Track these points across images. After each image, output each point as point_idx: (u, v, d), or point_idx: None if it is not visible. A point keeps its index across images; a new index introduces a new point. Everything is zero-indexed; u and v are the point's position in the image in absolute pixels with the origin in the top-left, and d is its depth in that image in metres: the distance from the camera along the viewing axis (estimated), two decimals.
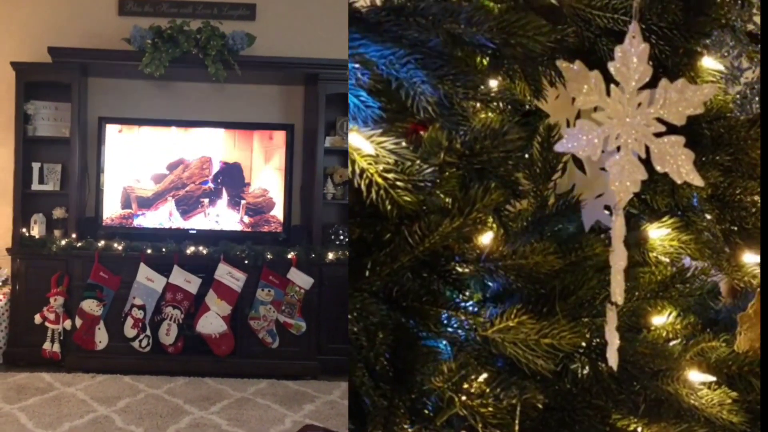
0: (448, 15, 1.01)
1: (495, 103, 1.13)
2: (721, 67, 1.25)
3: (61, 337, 4.49)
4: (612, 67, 0.98)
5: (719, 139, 1.28)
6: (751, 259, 1.39)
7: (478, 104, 1.10)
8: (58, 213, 4.75)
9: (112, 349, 4.45)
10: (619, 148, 1.00)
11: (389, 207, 0.99)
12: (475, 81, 1.02)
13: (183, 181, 4.71)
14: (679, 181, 1.00)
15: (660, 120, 0.98)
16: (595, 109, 1.01)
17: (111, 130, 4.74)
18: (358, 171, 0.99)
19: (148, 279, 4.45)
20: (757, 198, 1.32)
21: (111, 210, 4.72)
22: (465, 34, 1.01)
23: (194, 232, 4.69)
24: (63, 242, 4.53)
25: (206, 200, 4.71)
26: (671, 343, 1.36)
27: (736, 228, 1.35)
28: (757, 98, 1.27)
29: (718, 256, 1.37)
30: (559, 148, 1.04)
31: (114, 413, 3.69)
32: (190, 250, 4.49)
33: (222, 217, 4.73)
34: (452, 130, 1.05)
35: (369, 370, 1.09)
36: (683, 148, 0.97)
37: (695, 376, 1.31)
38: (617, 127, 0.99)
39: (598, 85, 0.99)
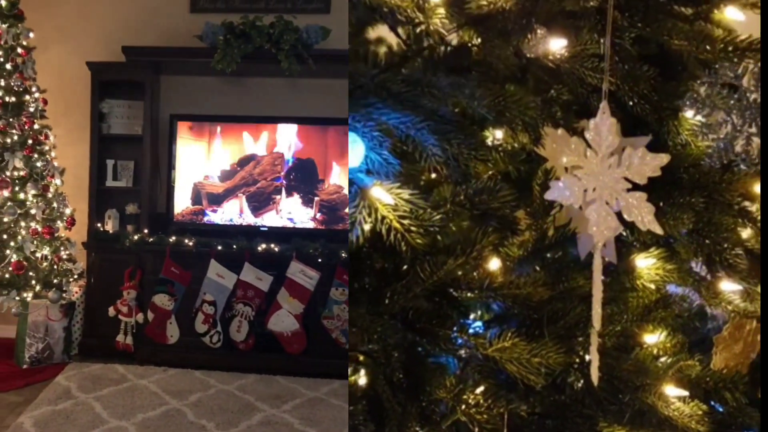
0: (456, 89, 1.24)
1: (498, 155, 1.36)
2: (700, 116, 1.47)
3: (134, 330, 4.60)
4: (587, 135, 1.23)
5: (696, 183, 1.48)
6: (728, 287, 1.58)
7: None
8: (130, 209, 4.88)
9: (184, 344, 4.54)
10: (596, 200, 1.25)
11: (404, 248, 1.23)
12: (477, 144, 1.26)
13: (254, 177, 4.74)
14: (642, 229, 1.23)
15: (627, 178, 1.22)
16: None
17: (182, 127, 4.84)
18: (379, 217, 1.22)
19: (218, 275, 4.51)
20: (735, 234, 1.50)
21: (182, 206, 4.82)
22: (468, 107, 1.25)
23: (265, 229, 4.71)
24: (135, 237, 4.65)
25: (278, 197, 4.73)
26: (660, 359, 1.57)
27: (717, 258, 1.52)
28: (732, 149, 1.48)
29: (698, 283, 1.58)
30: (548, 196, 1.29)
31: (186, 407, 3.76)
32: (262, 247, 4.51)
33: (294, 214, 4.73)
34: (458, 184, 1.32)
35: (387, 381, 1.34)
36: (646, 202, 1.20)
37: (671, 390, 1.53)
38: (593, 182, 1.24)
39: (578, 148, 1.25)
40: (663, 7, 1.31)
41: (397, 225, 1.21)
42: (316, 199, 4.72)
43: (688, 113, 1.47)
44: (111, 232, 4.82)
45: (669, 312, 1.57)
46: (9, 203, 4.04)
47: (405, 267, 1.33)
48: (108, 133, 4.92)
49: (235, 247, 4.54)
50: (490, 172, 1.34)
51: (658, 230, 1.23)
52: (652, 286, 1.54)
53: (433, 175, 1.31)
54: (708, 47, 1.29)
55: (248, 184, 4.74)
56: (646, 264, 1.54)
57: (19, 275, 4.04)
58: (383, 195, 1.22)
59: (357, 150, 1.21)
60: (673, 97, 1.42)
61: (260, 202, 4.74)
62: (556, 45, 1.35)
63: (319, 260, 4.47)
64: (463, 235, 1.34)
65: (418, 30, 1.25)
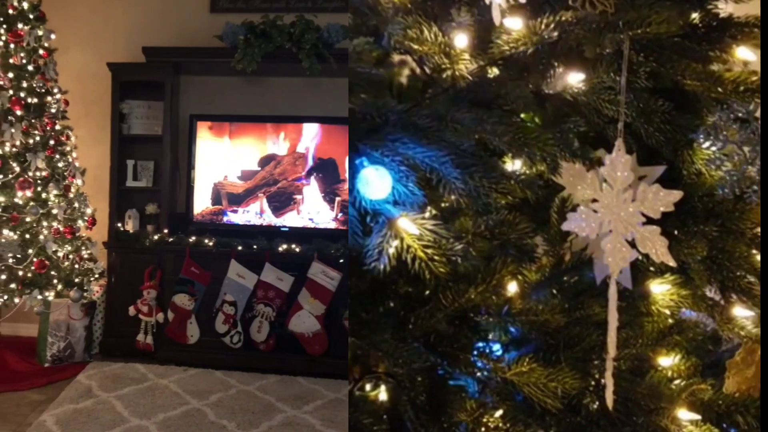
0: (478, 124, 1.29)
1: (516, 184, 1.38)
2: (714, 148, 1.49)
3: (154, 330, 4.64)
4: (603, 170, 1.29)
5: (710, 212, 1.54)
6: (741, 312, 1.61)
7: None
8: (150, 208, 4.92)
9: (204, 344, 4.56)
10: (611, 231, 1.31)
11: (428, 275, 1.29)
12: (498, 177, 1.30)
13: (275, 177, 4.75)
14: (656, 261, 1.29)
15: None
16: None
17: (202, 126, 4.86)
18: (405, 246, 1.29)
19: (239, 276, 4.53)
20: (748, 261, 1.53)
21: (201, 206, 4.85)
22: (490, 142, 1.31)
23: (286, 229, 4.72)
24: (155, 237, 4.69)
25: (299, 197, 4.74)
26: (674, 383, 1.61)
27: (730, 285, 1.56)
28: (744, 179, 1.50)
29: (712, 309, 1.62)
30: (565, 227, 1.36)
31: (206, 407, 3.78)
32: (282, 247, 4.52)
33: (316, 214, 4.74)
34: (479, 215, 1.40)
35: (411, 403, 1.41)
36: (659, 236, 1.26)
37: (684, 414, 1.57)
38: (609, 215, 1.29)
39: (594, 182, 1.32)
40: (677, 47, 1.35)
41: (422, 254, 1.29)
42: (338, 199, 4.73)
43: (703, 144, 1.52)
44: (131, 231, 4.86)
45: (683, 336, 1.63)
46: (32, 203, 4.09)
47: (428, 293, 1.41)
48: (128, 133, 4.96)
49: (255, 247, 4.56)
50: (509, 202, 1.40)
51: (671, 262, 1.30)
52: (667, 312, 1.59)
53: (455, 206, 1.37)
54: (719, 89, 1.34)
55: (269, 184, 4.75)
56: (660, 290, 1.60)
57: (42, 274, 4.09)
58: (409, 225, 1.30)
59: (384, 182, 1.27)
60: (687, 129, 1.46)
61: (281, 202, 4.74)
62: (574, 79, 1.41)
63: (341, 261, 4.46)
64: (483, 264, 1.42)
65: (444, 75, 1.31)
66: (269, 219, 4.77)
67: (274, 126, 4.80)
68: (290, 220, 4.75)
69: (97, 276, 4.50)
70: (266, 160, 4.77)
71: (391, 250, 1.29)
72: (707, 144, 1.48)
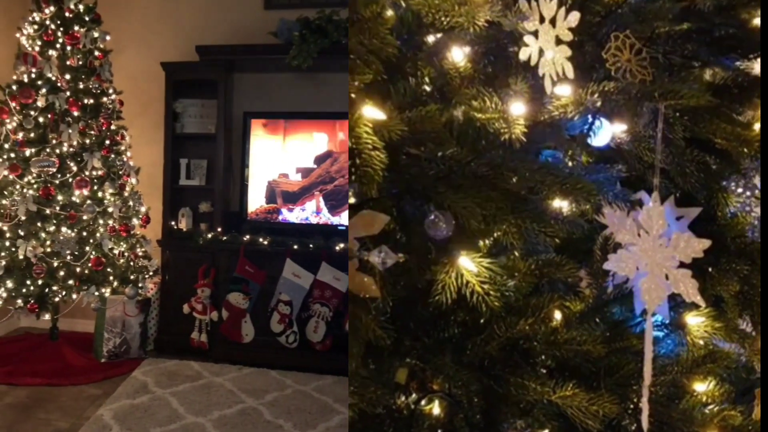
0: (531, 173, 1.48)
1: (562, 227, 1.59)
2: (747, 193, 1.68)
3: (209, 328, 4.66)
4: (641, 217, 1.44)
5: (741, 251, 1.71)
6: None
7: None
8: (203, 207, 4.97)
9: (259, 343, 4.57)
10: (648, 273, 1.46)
11: (484, 308, 1.47)
12: (547, 222, 1.51)
13: (331, 174, 4.74)
14: (688, 301, 1.41)
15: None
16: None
17: (256, 124, 4.88)
18: (464, 281, 1.46)
19: (294, 275, 4.52)
20: None
21: (256, 204, 4.85)
22: (539, 189, 1.50)
23: (343, 228, 4.68)
24: (209, 235, 4.72)
25: None
26: (707, 408, 1.72)
27: (760, 319, 1.70)
28: None
29: (743, 340, 1.75)
30: (606, 266, 1.52)
31: (262, 406, 3.77)
32: (340, 246, 4.50)
33: None
34: (529, 255, 1.61)
35: (467, 421, 1.57)
36: (691, 278, 1.38)
37: None
38: (645, 258, 1.44)
39: (632, 227, 1.46)
40: (708, 108, 1.49)
41: (479, 289, 1.47)
42: None
43: (735, 190, 1.71)
44: (184, 230, 4.91)
45: (717, 365, 1.74)
46: (88, 201, 4.17)
47: (483, 322, 1.58)
48: (181, 132, 5.02)
49: (311, 246, 4.54)
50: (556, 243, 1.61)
51: (702, 303, 1.42)
52: (701, 342, 1.74)
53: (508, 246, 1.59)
54: (746, 149, 1.55)
55: (325, 182, 4.74)
56: (696, 321, 1.75)
57: (98, 271, 4.16)
58: (468, 263, 1.48)
59: (449, 226, 1.44)
60: (720, 177, 1.66)
61: (338, 200, 4.72)
62: (617, 129, 1.57)
63: None
64: (532, 299, 1.62)
65: (502, 138, 1.46)
66: (326, 217, 4.76)
67: (331, 122, 4.78)
68: (348, 218, 4.66)
69: (151, 273, 4.56)
70: (323, 158, 4.76)
71: (453, 284, 1.47)
72: (739, 190, 1.67)
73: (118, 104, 4.57)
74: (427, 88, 1.53)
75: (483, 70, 1.54)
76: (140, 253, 4.49)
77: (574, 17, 1.35)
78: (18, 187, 4.09)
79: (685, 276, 1.39)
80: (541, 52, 1.42)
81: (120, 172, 4.42)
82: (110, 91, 4.51)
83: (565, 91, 1.47)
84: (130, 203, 4.47)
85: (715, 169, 1.63)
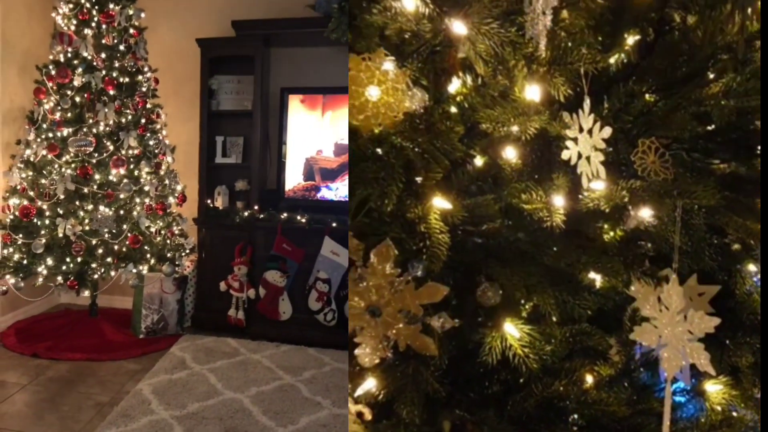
0: (567, 255, 1.78)
1: (594, 300, 1.82)
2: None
3: (245, 305, 4.74)
4: (662, 296, 1.67)
5: (756, 327, 1.90)
6: None
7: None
8: (240, 185, 5.02)
9: (297, 321, 4.62)
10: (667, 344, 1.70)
11: (524, 369, 1.71)
12: (581, 296, 1.78)
13: None
14: (701, 370, 1.62)
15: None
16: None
17: (293, 100, 4.88)
18: (508, 345, 1.71)
19: (333, 253, 4.55)
20: None
21: (293, 182, 4.88)
22: (575, 269, 1.80)
23: None
24: (245, 213, 4.77)
25: None
26: None
27: None
28: None
29: (758, 407, 1.90)
30: (632, 337, 1.74)
31: (300, 383, 3.83)
32: None
33: None
34: (564, 324, 1.81)
35: None
36: (703, 351, 1.61)
37: None
38: (665, 331, 1.67)
39: (655, 305, 1.68)
40: (724, 201, 1.70)
41: (520, 352, 1.71)
42: None
43: (751, 272, 1.89)
44: (220, 208, 4.97)
45: (732, 429, 1.91)
46: (125, 180, 4.25)
47: (522, 381, 1.79)
48: (217, 109, 5.05)
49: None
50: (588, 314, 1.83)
51: (713, 372, 1.63)
52: (719, 408, 1.93)
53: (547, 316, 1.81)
54: (752, 241, 1.77)
55: None
56: (714, 389, 1.94)
57: (135, 249, 4.25)
58: (512, 329, 1.74)
59: (494, 294, 1.71)
60: (736, 260, 1.84)
61: None
62: (646, 214, 1.76)
63: None
64: (566, 363, 1.84)
65: (545, 225, 1.70)
66: None
67: None
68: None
69: (188, 251, 4.64)
70: None
71: (498, 347, 1.72)
72: (754, 269, 1.85)
73: (154, 82, 4.65)
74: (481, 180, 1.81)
75: (531, 164, 1.80)
76: (177, 231, 4.57)
77: (607, 132, 1.59)
78: (56, 166, 4.19)
79: (699, 348, 1.62)
80: (579, 155, 1.66)
81: (156, 151, 4.50)
82: (145, 69, 4.59)
83: (599, 186, 1.70)
84: (166, 182, 4.54)
85: (734, 251, 1.84)
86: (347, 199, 4.74)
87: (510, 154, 1.77)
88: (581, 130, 1.63)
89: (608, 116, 1.67)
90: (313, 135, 4.85)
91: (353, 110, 1.52)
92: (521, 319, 1.75)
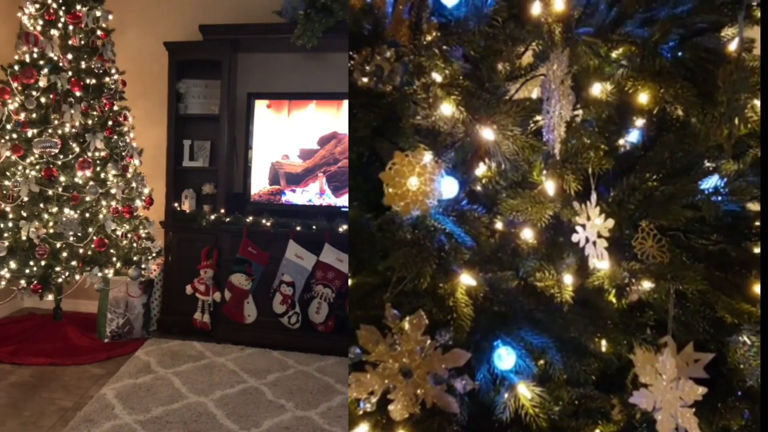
0: (576, 322, 1.96)
1: (600, 363, 2.02)
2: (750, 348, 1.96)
3: (211, 309, 4.78)
4: (658, 365, 1.80)
5: (746, 393, 1.98)
6: None
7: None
8: (207, 188, 5.06)
9: (261, 324, 4.67)
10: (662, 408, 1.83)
11: (534, 427, 1.86)
12: (587, 360, 1.98)
13: (335, 156, 4.80)
14: None
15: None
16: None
17: (260, 105, 4.94)
18: (520, 404, 1.85)
19: (297, 256, 4.61)
20: None
21: (259, 186, 4.94)
22: (583, 337, 1.98)
23: (347, 209, 4.72)
24: (212, 217, 4.81)
25: None
26: None
27: None
28: None
29: None
30: (631, 400, 1.86)
31: (264, 386, 3.87)
32: (342, 228, 4.58)
33: None
34: (572, 386, 1.98)
35: None
36: (692, 416, 1.75)
37: None
38: (660, 397, 1.80)
39: (652, 372, 1.81)
40: (711, 281, 1.87)
41: (531, 411, 1.86)
42: None
43: (741, 344, 1.98)
44: (187, 211, 5.00)
45: None
46: (91, 183, 4.25)
47: None
48: (185, 113, 5.09)
49: (314, 227, 4.62)
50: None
51: None
52: None
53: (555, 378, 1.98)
54: (738, 319, 1.88)
55: (329, 163, 4.80)
56: None
57: (101, 252, 4.25)
58: (525, 391, 1.88)
59: (509, 358, 1.85)
60: (727, 332, 1.94)
61: (341, 182, 4.79)
62: (647, 286, 1.93)
63: None
64: (572, 421, 1.99)
65: (556, 300, 1.91)
66: (329, 199, 4.83)
67: (335, 103, 4.83)
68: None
69: (154, 255, 4.64)
70: (327, 139, 4.82)
71: (512, 406, 1.86)
72: (746, 342, 1.94)
73: (121, 84, 4.64)
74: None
75: (545, 243, 2.01)
76: (143, 235, 4.58)
77: (610, 223, 1.80)
78: (20, 167, 4.18)
79: (689, 413, 1.77)
80: (586, 239, 1.86)
81: (123, 154, 4.50)
82: (113, 71, 4.58)
83: (604, 266, 1.89)
84: (133, 185, 4.55)
85: (722, 326, 1.96)
86: (311, 203, 4.84)
87: (527, 234, 1.99)
88: (588, 218, 1.84)
89: (613, 204, 1.90)
90: (279, 140, 4.91)
91: (395, 197, 1.69)
92: (533, 380, 1.90)
